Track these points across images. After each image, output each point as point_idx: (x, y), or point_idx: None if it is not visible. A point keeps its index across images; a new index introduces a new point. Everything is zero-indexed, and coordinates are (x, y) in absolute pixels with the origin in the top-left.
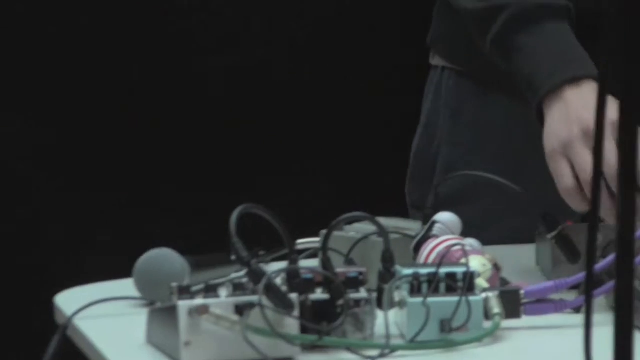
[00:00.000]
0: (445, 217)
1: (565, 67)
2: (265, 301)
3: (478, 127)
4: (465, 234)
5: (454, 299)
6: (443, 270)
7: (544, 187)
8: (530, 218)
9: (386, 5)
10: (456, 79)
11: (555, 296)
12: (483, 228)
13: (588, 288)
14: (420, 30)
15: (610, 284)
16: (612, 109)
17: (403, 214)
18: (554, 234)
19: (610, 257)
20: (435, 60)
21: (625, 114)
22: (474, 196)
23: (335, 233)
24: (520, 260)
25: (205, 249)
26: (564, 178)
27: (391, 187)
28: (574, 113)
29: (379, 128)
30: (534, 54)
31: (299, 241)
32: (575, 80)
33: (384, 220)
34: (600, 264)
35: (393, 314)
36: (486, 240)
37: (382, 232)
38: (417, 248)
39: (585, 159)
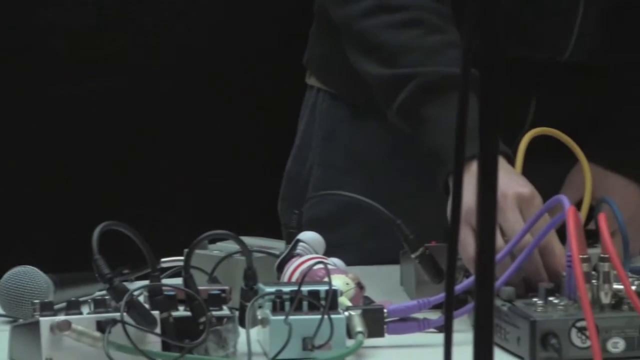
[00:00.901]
0: (308, 237)
1: (473, 143)
2: (127, 318)
3: (350, 150)
4: (329, 253)
5: (316, 317)
6: (305, 289)
7: (411, 211)
8: (395, 240)
9: (264, 23)
10: (330, 101)
11: (418, 315)
12: (347, 248)
13: (447, 307)
14: (300, 49)
15: (472, 304)
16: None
17: (278, 233)
18: (417, 253)
19: (472, 278)
20: (311, 81)
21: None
22: (345, 217)
23: (200, 251)
24: (385, 280)
25: (72, 266)
26: (467, 247)
27: (268, 207)
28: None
29: (254, 147)
30: (440, 127)
31: (164, 259)
32: None
33: (248, 239)
34: (462, 284)
35: (256, 332)
36: (350, 261)
37: (245, 250)
38: (281, 267)
39: None
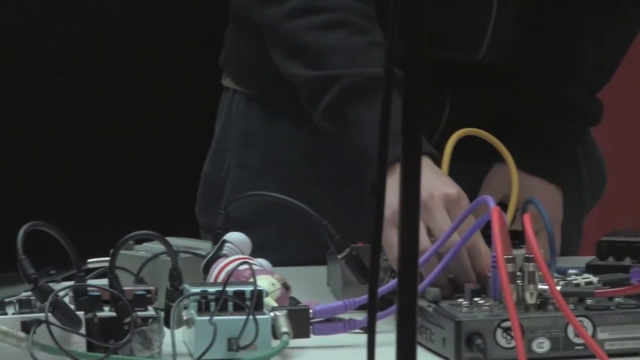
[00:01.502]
0: (235, 237)
1: (397, 144)
2: (52, 318)
3: (266, 151)
4: (255, 254)
5: (241, 317)
6: (231, 289)
7: (332, 211)
8: (320, 241)
9: (181, 23)
10: (246, 103)
11: (344, 316)
12: (273, 249)
13: (371, 309)
14: (217, 49)
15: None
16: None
17: (197, 235)
18: (343, 254)
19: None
20: (227, 82)
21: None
22: (265, 218)
23: (126, 252)
24: (312, 281)
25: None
26: (393, 248)
27: (186, 209)
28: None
29: (173, 148)
30: (365, 128)
31: (90, 260)
32: None
33: (174, 240)
34: (386, 286)
35: (182, 332)
36: (277, 261)
37: (170, 250)
38: (207, 267)
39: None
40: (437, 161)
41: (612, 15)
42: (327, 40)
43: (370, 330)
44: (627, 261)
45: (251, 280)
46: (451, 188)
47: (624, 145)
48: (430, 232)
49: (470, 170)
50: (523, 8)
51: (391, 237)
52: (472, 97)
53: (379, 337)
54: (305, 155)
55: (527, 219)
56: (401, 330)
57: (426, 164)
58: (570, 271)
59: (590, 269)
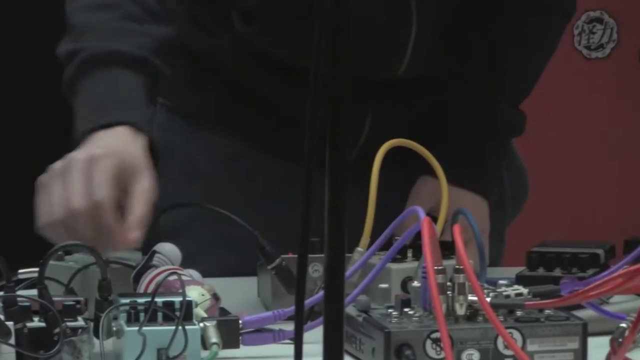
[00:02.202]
0: (165, 248)
1: (102, 113)
2: None
3: (188, 162)
4: (185, 265)
5: (170, 328)
6: (160, 300)
7: (258, 222)
8: (250, 251)
9: None
10: (166, 114)
11: (274, 326)
12: (200, 260)
13: (297, 320)
14: None
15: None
16: None
17: None
18: (273, 265)
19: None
20: None
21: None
22: (189, 229)
23: (56, 263)
24: (243, 292)
25: None
26: (40, 206)
27: None
28: (85, 150)
29: None
30: (86, 99)
31: (21, 271)
32: (109, 126)
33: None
34: (313, 297)
35: (111, 343)
36: (208, 272)
37: (99, 261)
38: (137, 278)
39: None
40: (141, 132)
41: (532, 26)
42: (92, 20)
43: (297, 341)
44: (557, 272)
45: (181, 290)
46: (81, 154)
47: (546, 154)
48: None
49: (394, 180)
50: (442, 22)
51: (47, 193)
52: (393, 111)
53: (307, 348)
54: (227, 166)
55: (456, 229)
56: (327, 341)
57: (109, 135)
58: (501, 282)
59: (520, 279)
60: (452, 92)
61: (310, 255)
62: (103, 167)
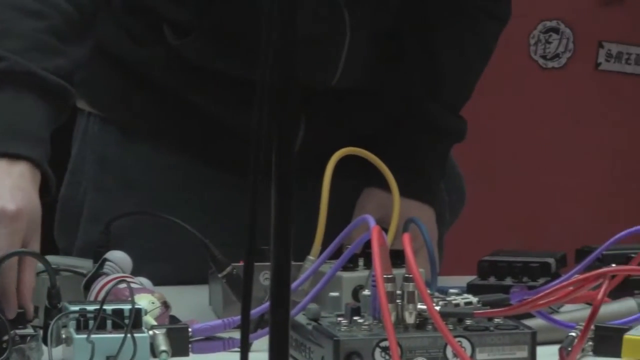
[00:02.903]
0: (116, 256)
1: (7, 140)
2: None
3: (123, 173)
4: (136, 273)
5: (119, 335)
6: (110, 307)
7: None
8: (200, 259)
9: None
10: (101, 125)
11: (224, 334)
12: (154, 267)
13: (244, 329)
14: None
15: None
16: None
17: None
18: (224, 273)
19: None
20: (81, 104)
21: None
22: (139, 238)
23: None
24: (194, 300)
25: None
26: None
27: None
28: None
29: None
30: None
31: None
32: (11, 156)
33: (56, 259)
34: (260, 307)
35: (61, 351)
36: (158, 280)
37: (48, 269)
38: (88, 286)
39: None
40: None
41: (467, 31)
42: (21, 25)
43: (243, 349)
44: (508, 281)
45: (130, 298)
46: (10, 204)
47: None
48: None
49: (345, 189)
50: (376, 32)
51: None
52: (328, 121)
53: (256, 356)
54: (163, 177)
55: (406, 238)
56: (273, 350)
57: (14, 171)
58: (451, 291)
59: (471, 288)
60: (390, 100)
61: (261, 264)
62: (10, 230)
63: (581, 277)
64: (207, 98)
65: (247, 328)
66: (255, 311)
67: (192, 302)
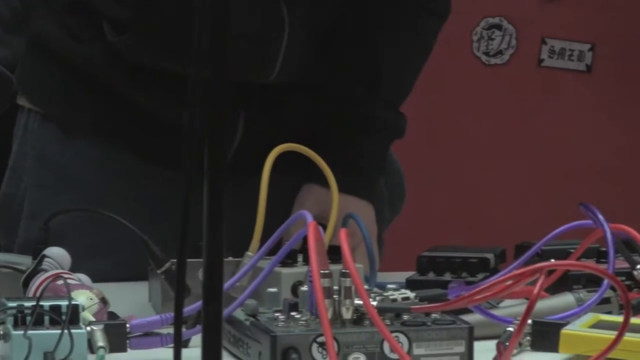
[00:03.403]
0: (54, 252)
1: None
2: None
3: (63, 170)
4: (76, 269)
5: (56, 331)
6: (47, 303)
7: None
8: (139, 255)
9: None
10: (41, 122)
11: (162, 330)
12: (93, 263)
13: (177, 325)
14: None
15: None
16: None
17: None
18: (163, 269)
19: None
20: (22, 101)
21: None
22: (78, 234)
23: None
24: (134, 296)
25: None
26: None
27: None
28: None
29: None
30: None
31: None
32: None
33: None
34: (194, 305)
35: (1, 347)
36: (99, 276)
37: None
38: (27, 282)
39: None
40: None
41: (406, 28)
42: None
43: (176, 344)
44: (447, 276)
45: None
46: None
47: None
48: None
49: (284, 185)
50: (315, 28)
51: None
52: (267, 117)
53: (194, 351)
54: (102, 173)
55: (342, 233)
56: (206, 345)
57: None
58: (389, 286)
59: (409, 284)
60: (330, 97)
61: (200, 260)
62: None
63: (518, 272)
64: (146, 94)
65: (180, 324)
66: (191, 308)
67: (132, 299)
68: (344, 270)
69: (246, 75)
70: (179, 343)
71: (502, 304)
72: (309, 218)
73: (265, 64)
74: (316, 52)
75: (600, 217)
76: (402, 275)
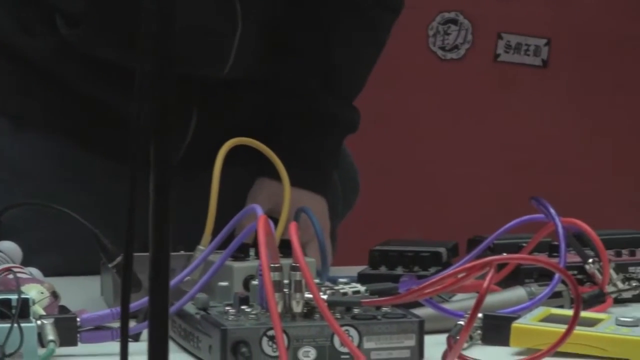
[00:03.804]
0: (5, 246)
1: None
2: None
3: (15, 164)
4: (28, 263)
5: (5, 325)
6: None
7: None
8: (92, 249)
9: None
10: None
11: (113, 324)
12: (46, 257)
13: (123, 319)
14: None
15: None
16: None
17: None
18: (114, 263)
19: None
20: None
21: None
22: (30, 228)
23: None
24: (87, 290)
25: None
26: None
27: None
28: None
29: None
30: None
31: None
32: None
33: None
34: (140, 301)
35: None
36: (51, 270)
37: None
38: None
39: None
40: None
41: (360, 24)
42: None
43: (122, 339)
44: (399, 270)
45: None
46: None
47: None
48: None
49: (237, 178)
50: (268, 23)
51: None
52: (220, 112)
53: (144, 346)
54: (54, 167)
55: (292, 227)
56: (152, 339)
57: None
58: (341, 280)
59: (361, 278)
60: (283, 91)
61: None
62: None
63: (467, 265)
64: (98, 88)
65: (126, 318)
66: (140, 302)
67: (84, 293)
68: (294, 264)
69: (198, 70)
70: (126, 337)
71: (454, 298)
72: (259, 212)
73: (218, 58)
74: (270, 48)
75: (552, 210)
76: (355, 270)
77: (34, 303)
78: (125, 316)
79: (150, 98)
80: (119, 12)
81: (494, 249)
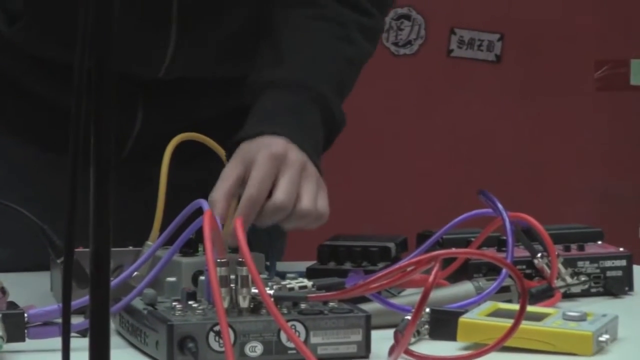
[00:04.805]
0: None
1: None
2: None
3: None
4: None
5: None
6: None
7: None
8: (41, 245)
9: None
10: None
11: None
12: None
13: (65, 313)
14: None
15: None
16: None
17: None
18: (62, 258)
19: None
20: None
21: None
22: None
23: None
24: (36, 286)
25: None
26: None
27: None
28: None
29: None
30: None
31: None
32: None
33: None
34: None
35: None
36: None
37: None
38: None
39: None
40: None
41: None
42: None
43: (64, 335)
44: (348, 265)
45: None
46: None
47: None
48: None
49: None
50: (205, 27)
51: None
52: (167, 106)
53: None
54: (3, 163)
55: (238, 222)
56: (94, 334)
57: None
58: (289, 275)
59: (310, 273)
60: (228, 93)
61: None
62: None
63: (414, 260)
64: (44, 85)
65: (68, 314)
66: (85, 299)
67: (34, 288)
68: (240, 259)
69: (135, 70)
70: (68, 333)
71: (402, 293)
72: (205, 207)
73: (152, 60)
74: (210, 51)
75: (499, 205)
76: (304, 265)
77: None
78: (67, 311)
79: (89, 93)
80: (57, 9)
81: (442, 244)
